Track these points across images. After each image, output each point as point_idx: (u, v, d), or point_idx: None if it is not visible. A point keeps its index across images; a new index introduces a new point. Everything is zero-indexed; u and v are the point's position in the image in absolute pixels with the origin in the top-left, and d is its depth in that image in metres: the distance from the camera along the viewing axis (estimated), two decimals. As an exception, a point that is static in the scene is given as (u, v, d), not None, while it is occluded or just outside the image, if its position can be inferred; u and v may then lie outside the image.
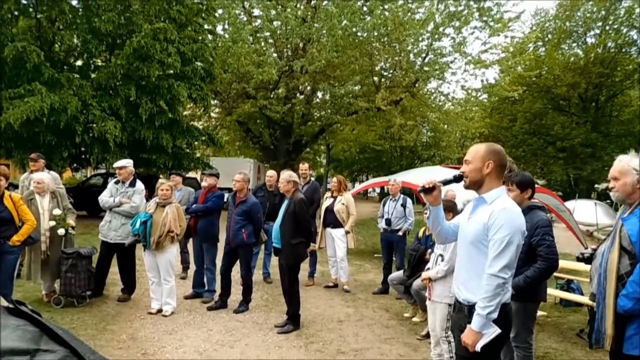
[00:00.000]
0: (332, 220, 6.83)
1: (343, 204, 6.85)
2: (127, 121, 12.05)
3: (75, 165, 14.61)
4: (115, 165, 5.80)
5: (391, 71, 18.18)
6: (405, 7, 15.77)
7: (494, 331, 2.17)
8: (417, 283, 4.83)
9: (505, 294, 2.20)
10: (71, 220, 5.40)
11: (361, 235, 12.52)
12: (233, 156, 24.87)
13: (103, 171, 17.11)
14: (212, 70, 14.16)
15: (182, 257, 7.06)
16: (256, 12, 17.83)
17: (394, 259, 6.98)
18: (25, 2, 11.83)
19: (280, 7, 16.06)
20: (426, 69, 17.31)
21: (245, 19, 17.58)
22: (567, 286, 6.22)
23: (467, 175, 2.34)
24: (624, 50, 24.30)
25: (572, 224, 9.14)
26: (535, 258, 3.23)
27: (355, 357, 4.25)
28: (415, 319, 5.35)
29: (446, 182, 2.42)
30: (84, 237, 9.13)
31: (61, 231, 5.20)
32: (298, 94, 18.40)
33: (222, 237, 5.71)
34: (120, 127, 11.46)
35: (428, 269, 4.18)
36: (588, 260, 2.86)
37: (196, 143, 15.60)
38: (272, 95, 17.61)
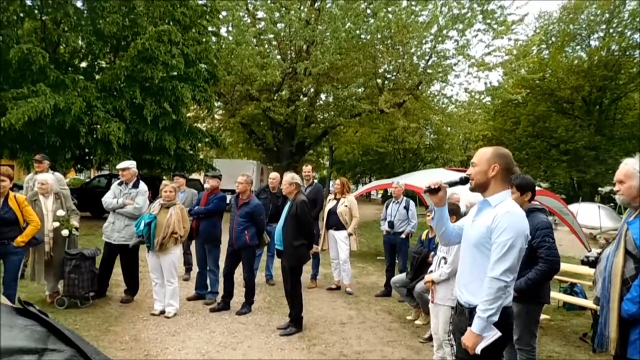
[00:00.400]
0: (335, 223, 6.83)
1: (346, 206, 6.85)
2: (131, 122, 12.09)
3: (79, 166, 14.67)
4: (119, 166, 5.82)
5: (394, 73, 18.19)
6: (409, 9, 15.78)
7: (495, 334, 2.17)
8: (419, 286, 4.82)
9: (507, 298, 2.20)
10: (75, 222, 5.42)
11: (364, 238, 12.51)
12: (236, 158, 24.91)
13: (107, 172, 17.18)
14: (215, 72, 14.22)
15: (184, 258, 7.07)
16: (260, 14, 17.89)
17: (396, 261, 6.97)
18: (30, 4, 11.91)
19: (284, 9, 16.11)
20: (429, 71, 17.32)
21: (249, 21, 17.63)
22: (571, 290, 6.20)
23: (473, 178, 2.34)
24: (627, 53, 24.23)
25: (575, 227, 9.11)
26: (537, 260, 3.24)
27: (357, 360, 4.25)
28: (417, 322, 5.34)
29: (452, 184, 2.43)
30: (87, 238, 9.16)
31: (65, 232, 5.21)
32: (301, 96, 18.43)
33: (225, 238, 5.72)
34: (124, 129, 11.50)
35: (431, 271, 4.18)
36: (593, 263, 2.85)
37: (199, 145, 15.64)
38: (275, 97, 17.65)
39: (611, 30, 24.50)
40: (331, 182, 28.23)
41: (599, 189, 26.70)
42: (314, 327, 5.08)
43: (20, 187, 7.69)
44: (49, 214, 5.17)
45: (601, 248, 2.88)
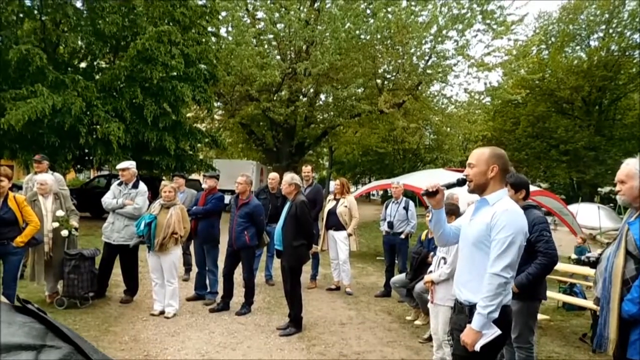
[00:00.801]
0: (335, 223, 6.84)
1: (345, 206, 6.85)
2: (131, 123, 12.09)
3: (78, 166, 14.67)
4: (118, 166, 5.82)
5: (394, 74, 18.20)
6: (409, 9, 15.79)
7: (494, 332, 2.18)
8: (419, 286, 4.82)
9: (506, 295, 2.21)
10: (74, 222, 5.42)
11: (363, 238, 12.50)
12: (236, 158, 24.91)
13: (106, 173, 17.17)
14: (215, 73, 14.22)
15: (184, 259, 7.06)
16: (260, 14, 17.90)
17: (396, 261, 6.97)
18: (29, 4, 11.91)
19: (283, 9, 16.13)
20: (429, 71, 17.33)
21: (248, 21, 17.63)
22: (570, 290, 6.20)
23: (472, 179, 2.34)
24: (627, 53, 24.25)
25: (575, 227, 9.11)
26: (535, 255, 3.28)
27: (357, 360, 4.25)
28: (417, 322, 5.34)
29: (449, 186, 2.43)
30: (87, 238, 9.15)
31: (64, 232, 5.21)
32: (301, 97, 18.44)
33: (225, 239, 5.72)
34: (123, 129, 11.49)
35: (430, 272, 4.18)
36: (593, 264, 2.86)
37: (199, 145, 15.63)
38: (275, 98, 17.66)
39: (611, 31, 24.52)
40: (331, 183, 28.22)
41: (599, 189, 26.72)
42: (314, 328, 5.08)
43: (19, 188, 7.68)
44: (49, 214, 5.17)
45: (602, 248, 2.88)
